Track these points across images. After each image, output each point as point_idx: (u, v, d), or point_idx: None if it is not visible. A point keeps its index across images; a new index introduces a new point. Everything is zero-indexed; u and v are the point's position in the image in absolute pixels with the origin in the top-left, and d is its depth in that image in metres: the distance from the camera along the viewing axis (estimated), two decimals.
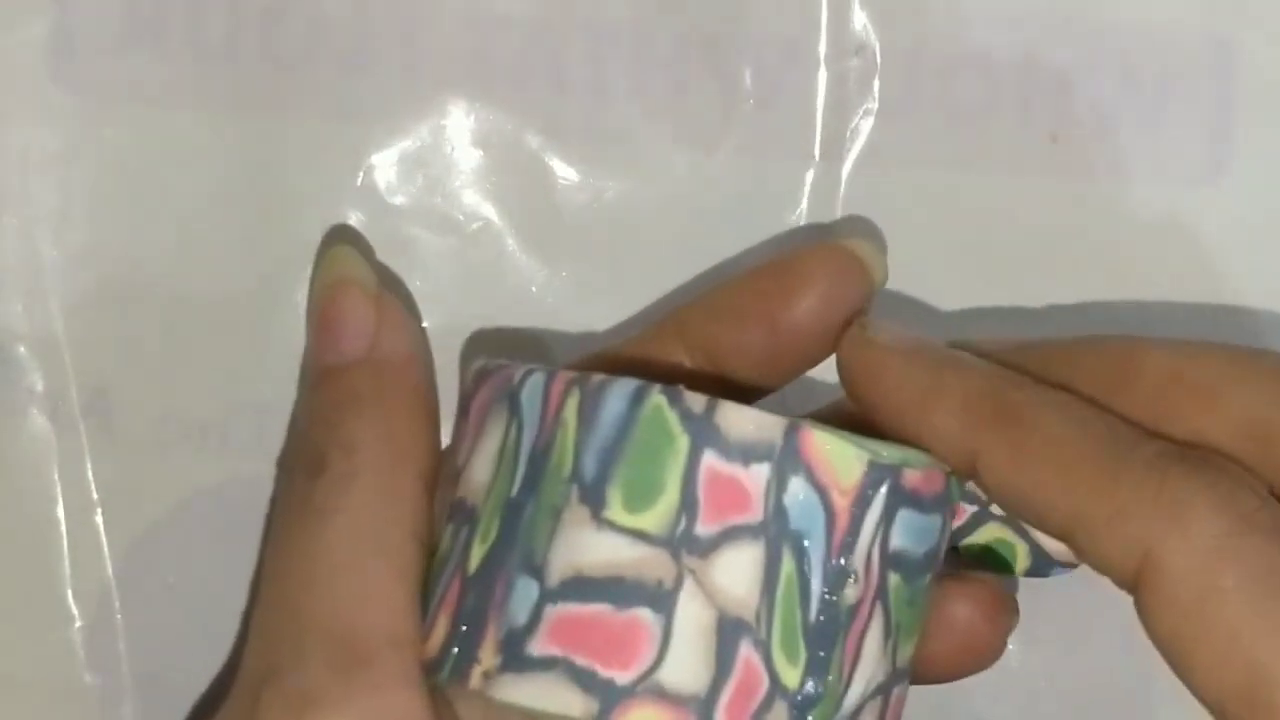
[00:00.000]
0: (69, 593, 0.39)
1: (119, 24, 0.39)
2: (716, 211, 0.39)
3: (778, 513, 0.29)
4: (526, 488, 0.30)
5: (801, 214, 0.39)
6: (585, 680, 0.29)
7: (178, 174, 0.39)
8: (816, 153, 0.39)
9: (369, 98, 0.39)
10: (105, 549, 0.39)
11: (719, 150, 0.39)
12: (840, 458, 0.30)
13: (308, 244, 0.39)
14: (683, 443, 0.29)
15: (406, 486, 0.32)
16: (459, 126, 0.39)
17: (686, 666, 0.29)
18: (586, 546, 0.29)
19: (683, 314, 0.35)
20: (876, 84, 0.39)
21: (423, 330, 0.37)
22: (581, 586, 0.29)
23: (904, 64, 0.39)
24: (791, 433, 0.29)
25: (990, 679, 0.40)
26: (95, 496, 0.39)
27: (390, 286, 0.37)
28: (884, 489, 0.30)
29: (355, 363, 0.34)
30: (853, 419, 0.33)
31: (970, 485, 0.33)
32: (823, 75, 0.39)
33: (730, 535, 0.29)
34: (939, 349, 0.33)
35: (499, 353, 0.35)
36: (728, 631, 0.29)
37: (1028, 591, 0.39)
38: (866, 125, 0.39)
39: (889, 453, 0.30)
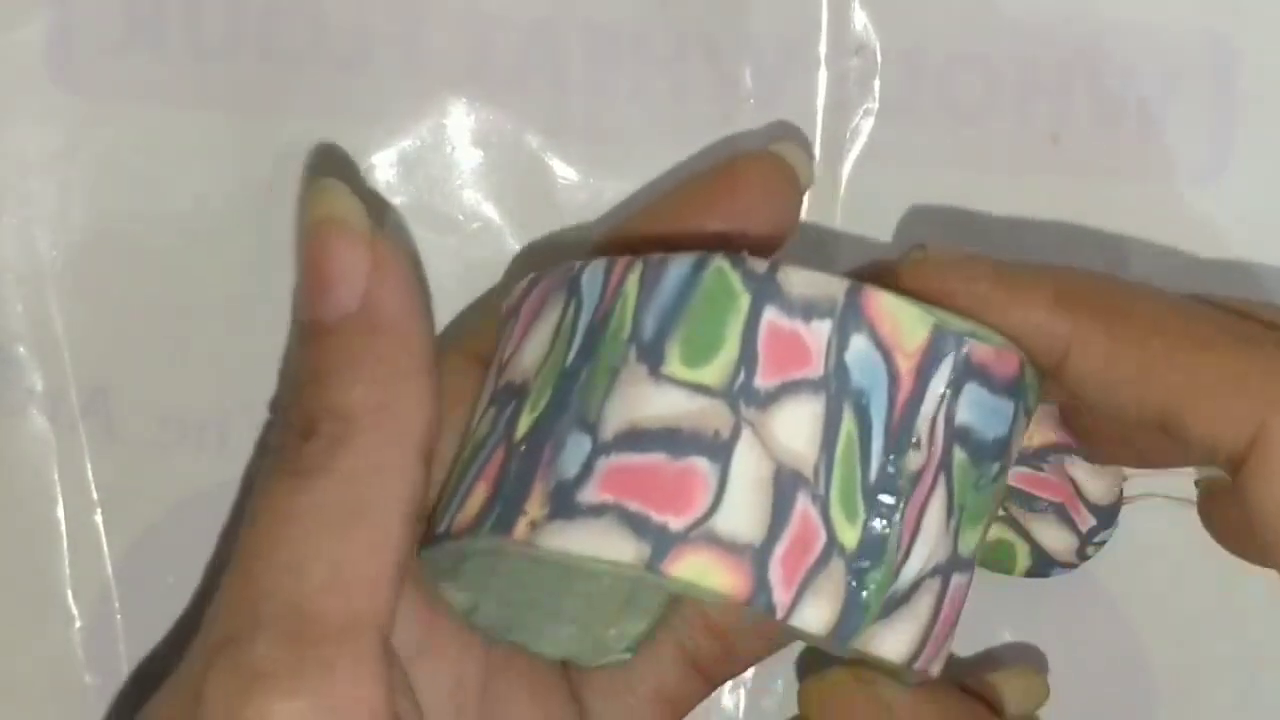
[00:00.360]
0: (69, 593, 0.39)
1: (118, 24, 0.39)
2: None
3: (839, 369, 0.29)
4: (582, 356, 0.30)
5: (801, 213, 0.39)
6: (638, 525, 0.28)
7: (177, 174, 0.39)
8: (816, 153, 0.39)
9: (369, 98, 0.39)
10: (105, 549, 0.39)
11: (719, 150, 0.39)
12: (905, 318, 0.29)
13: None
14: (744, 300, 0.29)
15: (398, 457, 0.31)
16: (459, 126, 0.39)
17: (742, 515, 0.28)
18: (643, 400, 0.29)
19: (627, 228, 0.35)
20: (876, 84, 0.39)
21: (423, 276, 0.36)
22: (636, 438, 0.29)
23: (904, 64, 0.39)
24: (854, 291, 0.29)
25: None
26: (95, 496, 0.39)
27: (381, 220, 0.35)
28: (951, 357, 0.29)
29: (347, 317, 0.31)
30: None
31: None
32: (823, 75, 0.39)
33: (790, 389, 0.29)
34: (999, 260, 0.32)
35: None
36: (785, 484, 0.28)
37: (1028, 591, 0.39)
38: (866, 125, 0.39)
39: (957, 322, 0.29)
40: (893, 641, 0.29)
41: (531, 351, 0.31)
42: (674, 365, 0.29)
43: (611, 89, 0.39)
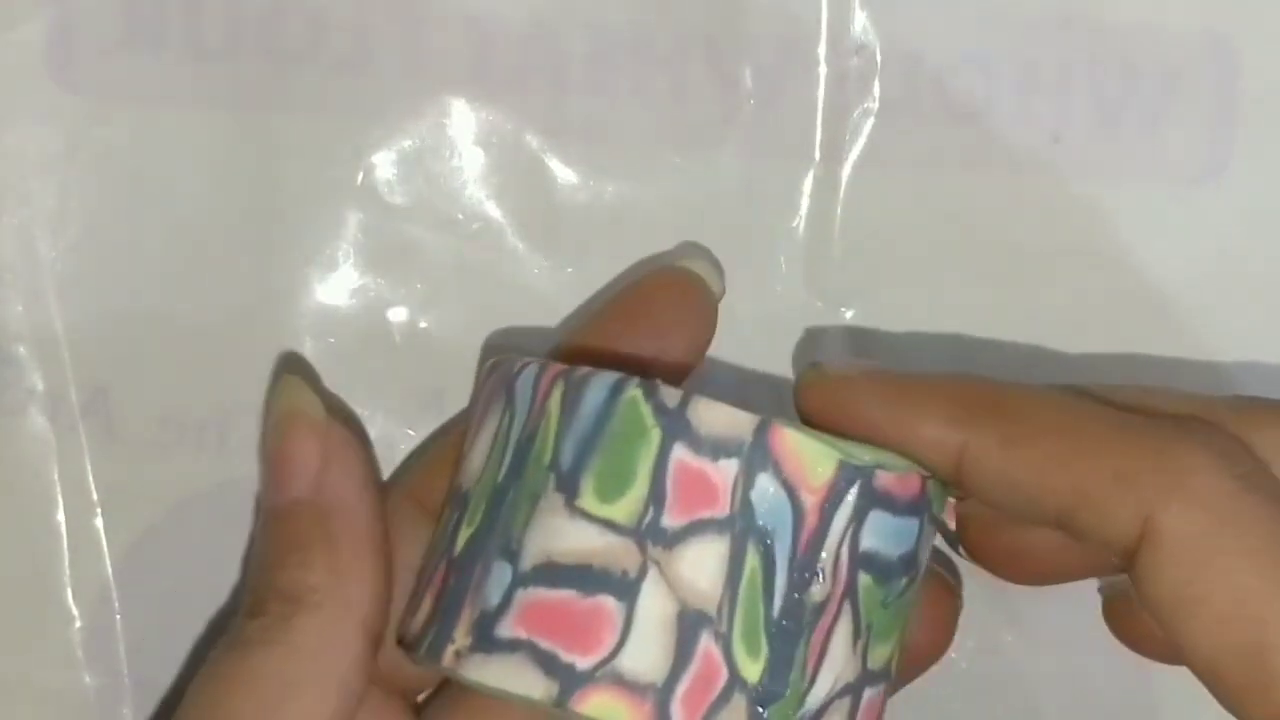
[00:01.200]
0: (68, 593, 0.39)
1: (118, 24, 0.39)
2: (716, 212, 0.39)
3: (744, 508, 0.30)
4: (511, 474, 0.31)
5: (801, 214, 0.39)
6: (548, 663, 0.30)
7: (177, 174, 0.39)
8: (816, 153, 0.39)
9: (369, 98, 0.39)
10: (105, 549, 0.39)
11: (719, 150, 0.39)
12: (811, 456, 0.30)
13: (308, 245, 0.39)
14: (655, 435, 0.30)
15: (340, 636, 0.32)
16: (459, 126, 0.39)
17: (646, 655, 0.29)
18: (558, 533, 0.30)
19: (566, 342, 0.36)
20: (876, 84, 0.39)
21: (374, 460, 0.37)
22: (551, 572, 0.30)
23: (904, 64, 0.39)
24: (762, 430, 0.30)
25: (990, 679, 0.40)
26: (95, 497, 0.39)
27: (338, 412, 0.36)
28: (855, 489, 0.30)
29: (300, 503, 0.34)
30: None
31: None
32: (823, 75, 0.39)
33: (696, 529, 0.30)
34: (901, 371, 0.33)
35: (503, 352, 0.35)
36: (689, 623, 0.29)
37: (1028, 592, 0.39)
38: (866, 125, 0.39)
39: (863, 454, 0.30)
40: None
41: (476, 456, 0.32)
42: (588, 499, 0.30)
43: (611, 89, 0.39)
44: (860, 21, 0.39)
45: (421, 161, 0.39)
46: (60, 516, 0.39)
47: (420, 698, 0.37)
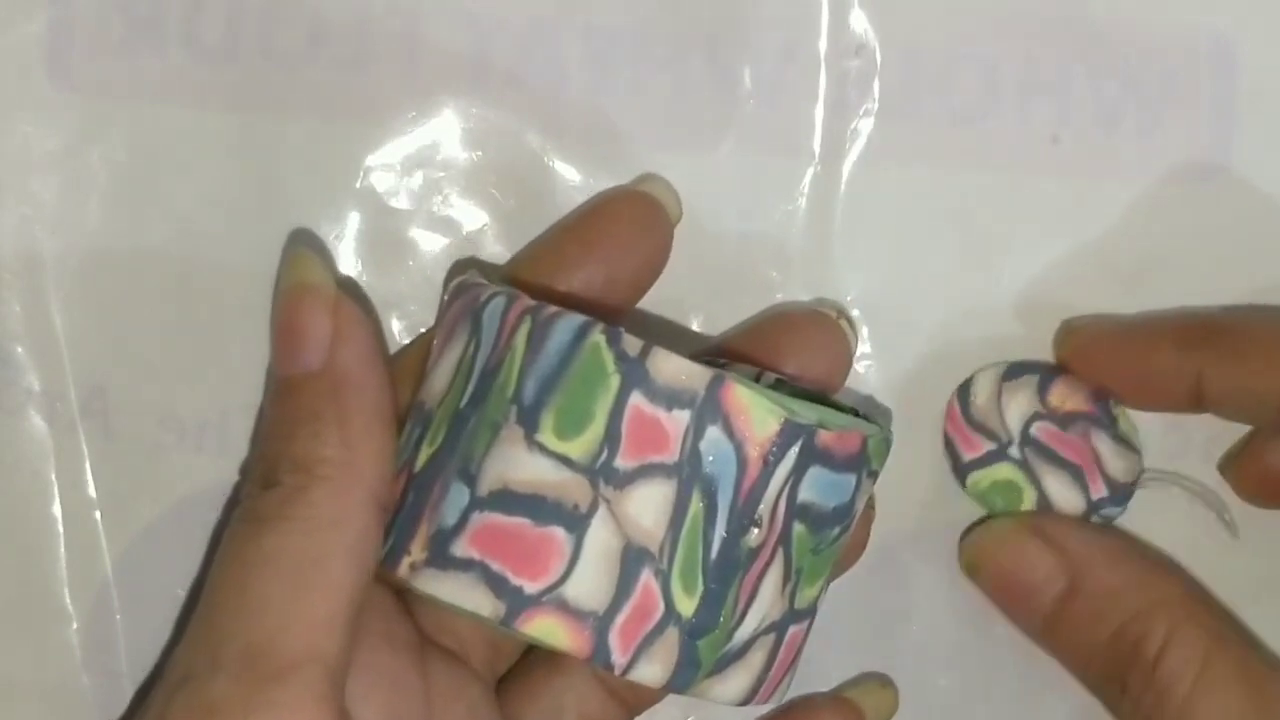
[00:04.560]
0: (66, 593, 0.39)
1: (118, 23, 0.39)
2: (717, 211, 0.39)
3: (693, 457, 0.31)
4: (474, 402, 0.32)
5: (801, 213, 0.39)
6: (497, 584, 0.31)
7: (177, 173, 0.39)
8: (816, 152, 0.39)
9: (369, 98, 0.39)
10: (104, 549, 0.39)
11: (719, 150, 0.39)
12: (758, 412, 0.31)
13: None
14: (614, 381, 0.31)
15: (354, 507, 0.33)
16: (458, 127, 0.39)
17: (589, 585, 0.31)
18: (517, 463, 0.32)
19: (521, 267, 0.37)
20: (876, 84, 0.39)
21: (382, 335, 0.37)
22: (507, 499, 0.32)
23: (904, 64, 0.39)
24: (715, 385, 0.31)
25: (991, 681, 0.40)
26: (93, 496, 0.39)
27: (349, 289, 0.36)
28: (797, 445, 0.32)
29: (311, 375, 0.34)
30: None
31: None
32: (823, 75, 0.39)
33: (646, 472, 0.31)
34: (1131, 317, 0.39)
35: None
36: (632, 559, 0.31)
37: None
38: (866, 125, 0.39)
39: (807, 412, 0.32)
40: (727, 689, 0.33)
41: (440, 377, 0.34)
42: (547, 434, 0.31)
43: (611, 89, 0.39)
44: (860, 22, 0.39)
45: (421, 161, 0.39)
46: (58, 516, 0.39)
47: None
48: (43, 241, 0.39)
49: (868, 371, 0.40)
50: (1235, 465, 0.39)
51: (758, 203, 0.39)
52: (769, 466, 0.32)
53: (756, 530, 0.32)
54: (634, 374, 0.31)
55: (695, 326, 0.39)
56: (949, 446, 0.39)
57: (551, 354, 0.32)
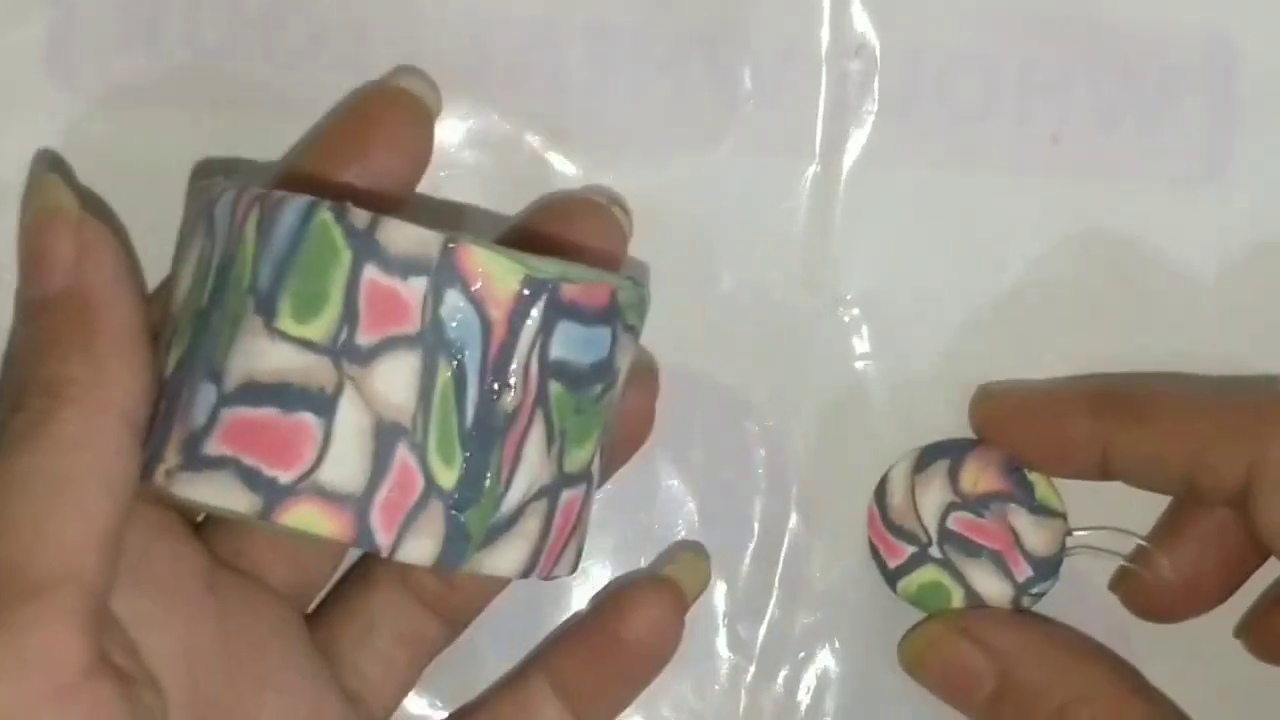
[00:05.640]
0: None
1: (117, 24, 0.39)
2: (717, 211, 0.39)
3: (435, 324, 0.31)
4: (214, 299, 0.32)
5: (801, 213, 0.39)
6: (251, 479, 0.31)
7: (176, 173, 0.39)
8: (816, 152, 0.39)
9: None
10: None
11: (719, 150, 0.39)
12: (496, 271, 0.31)
13: None
14: (346, 256, 0.31)
15: (103, 427, 0.32)
16: (459, 126, 0.39)
17: (344, 467, 0.31)
18: (259, 354, 0.31)
19: (284, 170, 0.37)
20: (876, 84, 0.39)
21: (133, 256, 0.37)
22: (253, 392, 0.31)
23: (904, 64, 0.39)
24: (449, 248, 0.31)
25: None
26: None
27: (96, 209, 0.35)
28: (541, 301, 0.31)
29: (57, 296, 0.33)
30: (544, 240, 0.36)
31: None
32: (823, 75, 0.39)
33: (388, 345, 0.31)
34: (1044, 384, 0.39)
35: None
36: (385, 435, 0.31)
37: None
38: (866, 125, 0.39)
39: (549, 267, 0.31)
40: (503, 560, 0.32)
41: (183, 282, 0.33)
42: (285, 320, 0.31)
43: (611, 89, 0.39)
44: (860, 22, 0.39)
45: None
46: None
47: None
48: None
49: (867, 371, 0.40)
50: (1254, 627, 0.39)
51: (758, 202, 0.39)
52: (514, 325, 0.31)
53: (510, 392, 0.31)
54: (365, 247, 0.31)
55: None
56: (875, 554, 0.39)
57: (282, 238, 0.31)
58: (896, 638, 0.40)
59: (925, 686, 0.38)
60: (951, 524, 0.38)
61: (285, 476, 0.31)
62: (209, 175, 0.34)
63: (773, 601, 0.40)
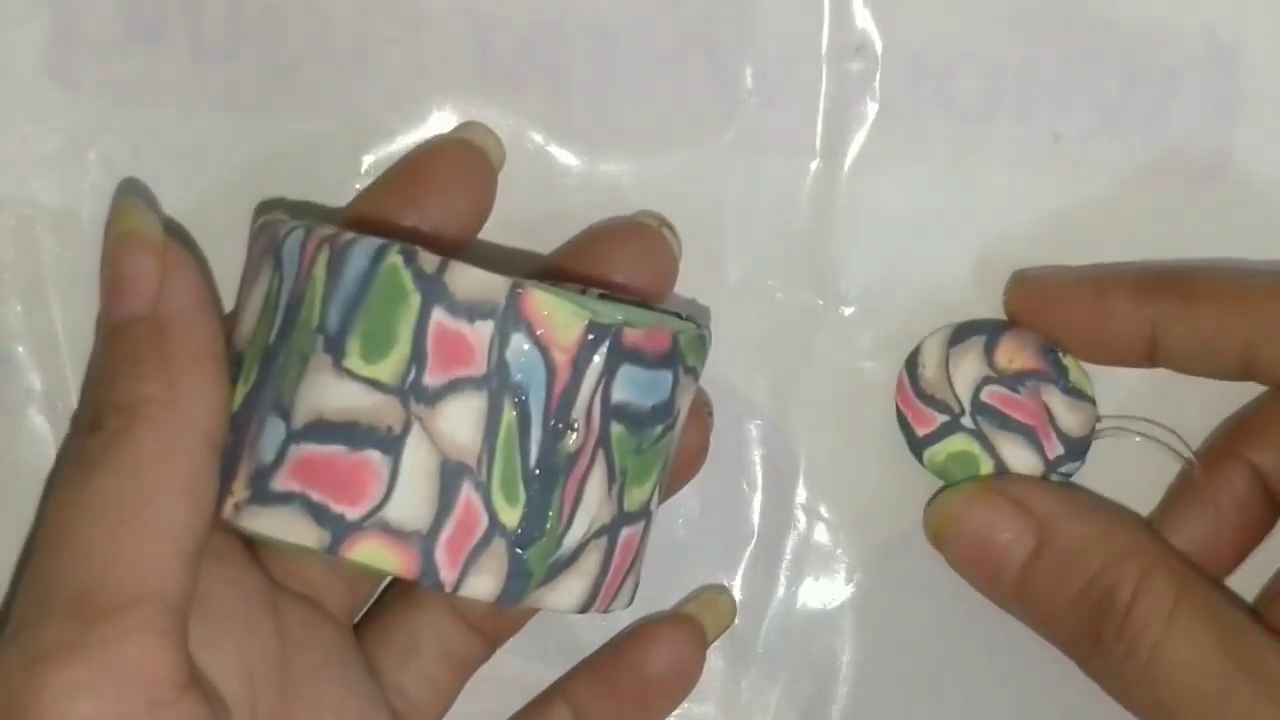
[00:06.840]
0: None
1: (118, 24, 0.39)
2: (717, 210, 0.39)
3: (500, 367, 0.32)
4: (281, 336, 0.33)
5: (802, 212, 0.39)
6: (319, 514, 0.32)
7: (177, 173, 0.39)
8: (817, 151, 0.39)
9: (369, 98, 0.39)
10: None
11: (720, 149, 0.39)
12: (561, 316, 0.32)
13: None
14: (415, 299, 0.31)
15: (180, 445, 0.32)
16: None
17: (410, 505, 0.32)
18: (327, 392, 0.32)
19: (359, 208, 0.37)
20: (877, 83, 0.39)
21: (211, 280, 0.37)
22: (321, 429, 0.32)
23: (904, 64, 0.39)
24: (514, 293, 0.31)
25: (990, 681, 0.40)
26: None
27: (178, 236, 0.36)
28: (604, 346, 0.32)
29: (137, 319, 0.33)
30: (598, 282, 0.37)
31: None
32: (824, 74, 0.39)
33: (455, 386, 0.31)
34: (1084, 269, 0.39)
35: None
36: (450, 474, 0.32)
37: None
38: (867, 125, 0.39)
39: (611, 312, 0.32)
40: (563, 597, 0.33)
41: (249, 317, 0.34)
42: (354, 360, 0.32)
43: (611, 89, 0.39)
44: (862, 21, 0.39)
45: None
46: None
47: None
48: (43, 241, 0.39)
49: (868, 371, 0.40)
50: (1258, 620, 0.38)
51: (758, 202, 0.39)
52: (578, 369, 0.32)
53: (573, 434, 0.32)
54: (433, 290, 0.31)
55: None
56: (902, 423, 0.39)
57: (351, 279, 0.32)
58: (898, 637, 0.40)
59: (951, 559, 0.38)
60: (986, 396, 0.38)
61: (352, 513, 0.31)
62: (269, 212, 0.34)
63: (773, 602, 0.40)
